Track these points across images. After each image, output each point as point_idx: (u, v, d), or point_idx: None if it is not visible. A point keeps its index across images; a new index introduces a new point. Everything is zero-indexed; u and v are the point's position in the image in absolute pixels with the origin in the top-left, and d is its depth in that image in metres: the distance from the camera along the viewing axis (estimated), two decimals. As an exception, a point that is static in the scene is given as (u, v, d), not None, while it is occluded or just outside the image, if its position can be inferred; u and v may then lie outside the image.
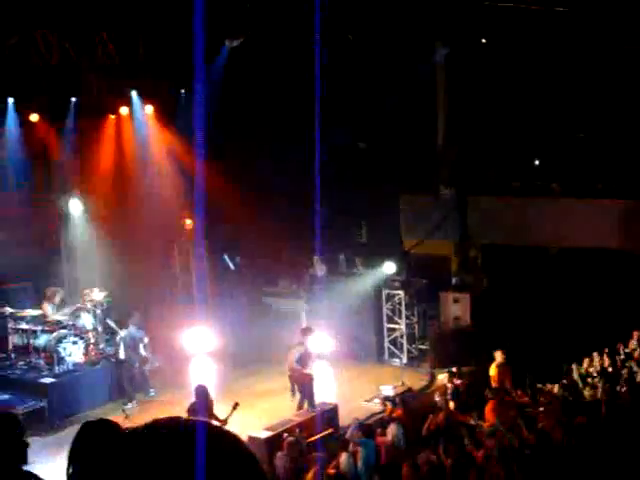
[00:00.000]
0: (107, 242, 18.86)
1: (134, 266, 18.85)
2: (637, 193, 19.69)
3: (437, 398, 15.42)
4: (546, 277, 19.53)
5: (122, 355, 17.23)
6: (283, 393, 16.60)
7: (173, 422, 1.50)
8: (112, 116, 19.66)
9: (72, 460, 3.33)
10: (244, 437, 14.60)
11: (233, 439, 1.52)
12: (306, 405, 15.96)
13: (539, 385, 15.21)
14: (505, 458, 11.17)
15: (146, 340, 17.51)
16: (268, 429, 14.54)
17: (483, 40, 20.44)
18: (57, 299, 17.81)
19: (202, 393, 13.52)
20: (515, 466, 10.88)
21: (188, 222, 20.39)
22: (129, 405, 16.44)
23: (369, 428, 14.16)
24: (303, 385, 16.11)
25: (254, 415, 15.87)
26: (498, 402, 14.27)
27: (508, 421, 13.24)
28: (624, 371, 15.05)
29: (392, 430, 14.03)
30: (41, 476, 4.52)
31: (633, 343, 16.26)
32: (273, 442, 14.16)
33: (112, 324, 17.71)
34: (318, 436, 14.41)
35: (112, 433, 3.45)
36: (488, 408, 14.16)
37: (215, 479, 1.42)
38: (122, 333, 17.31)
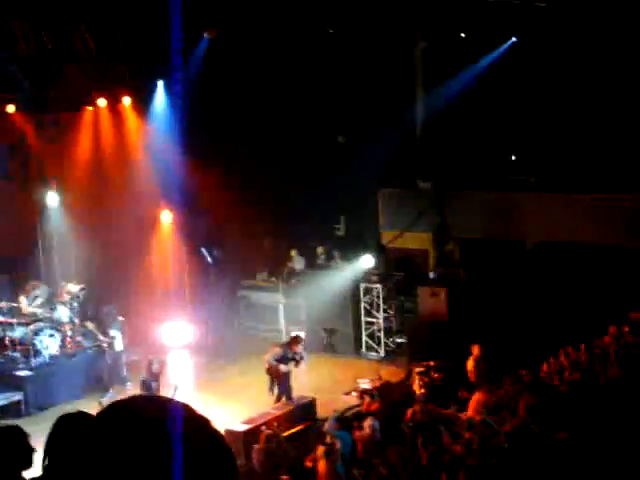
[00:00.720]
0: (85, 234, 18.78)
1: (112, 259, 18.79)
2: (615, 187, 19.82)
3: (416, 391, 15.46)
4: (523, 271, 19.62)
5: (120, 346, 17.26)
6: (261, 386, 16.59)
7: (145, 406, 1.49)
8: (90, 108, 19.55)
9: (47, 452, 3.33)
10: (222, 430, 14.60)
11: (205, 423, 1.51)
12: (284, 399, 15.98)
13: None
14: (485, 451, 11.21)
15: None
16: (246, 422, 14.53)
17: (462, 34, 20.49)
18: (30, 291, 17.70)
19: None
20: (494, 459, 10.92)
21: (166, 215, 20.35)
22: (107, 395, 16.41)
23: (346, 421, 14.17)
24: (279, 379, 16.13)
25: (232, 408, 15.86)
26: (483, 393, 14.26)
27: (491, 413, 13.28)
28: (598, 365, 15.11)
29: (368, 424, 14.05)
30: None
31: (608, 339, 16.34)
32: (251, 435, 14.15)
33: (91, 326, 17.71)
34: (295, 429, 14.44)
35: (86, 425, 3.44)
36: (474, 399, 14.17)
37: (190, 465, 1.41)
38: (118, 323, 17.36)
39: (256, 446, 13.02)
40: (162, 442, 1.41)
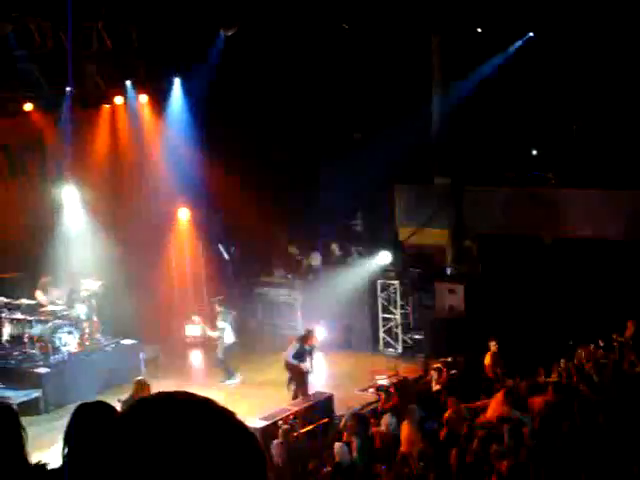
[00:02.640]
0: (102, 231, 18.84)
1: (129, 255, 18.83)
2: (635, 183, 19.69)
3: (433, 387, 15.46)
4: (540, 267, 19.54)
5: (231, 338, 17.56)
6: (278, 382, 16.62)
7: (168, 401, 1.49)
8: (107, 105, 19.62)
9: (67, 440, 3.34)
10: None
11: (230, 416, 1.51)
12: (300, 395, 15.99)
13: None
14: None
15: None
16: (264, 418, 14.55)
17: (479, 29, 20.43)
18: (48, 288, 17.77)
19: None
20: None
21: (184, 212, 20.39)
22: (233, 380, 17.02)
23: (363, 417, 14.15)
24: (296, 377, 16.16)
25: (249, 404, 15.88)
26: (506, 393, 14.17)
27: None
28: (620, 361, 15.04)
29: (386, 420, 14.05)
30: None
31: (628, 333, 16.26)
32: (269, 431, 14.18)
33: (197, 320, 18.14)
34: (313, 425, 14.44)
35: (106, 414, 3.45)
36: (497, 399, 14.09)
37: (214, 462, 1.41)
38: (227, 316, 17.77)
39: (275, 441, 13.07)
40: (190, 435, 1.41)
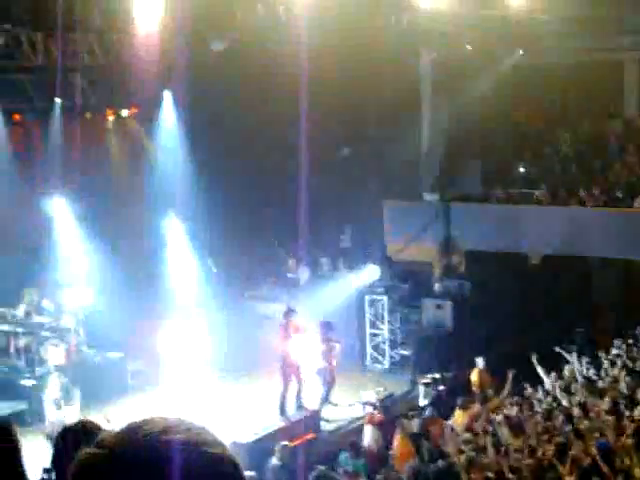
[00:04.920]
0: (91, 243, 18.80)
1: (118, 267, 18.78)
2: (621, 201, 19.79)
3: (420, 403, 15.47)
4: (528, 284, 19.59)
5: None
6: (267, 397, 16.58)
7: (165, 428, 1.47)
8: (96, 117, 19.59)
9: (54, 465, 3.32)
10: (228, 442, 14.59)
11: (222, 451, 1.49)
12: (288, 410, 15.94)
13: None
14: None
15: None
16: (251, 434, 14.54)
17: (469, 47, 20.54)
18: (35, 300, 17.71)
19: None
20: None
21: (173, 224, 20.37)
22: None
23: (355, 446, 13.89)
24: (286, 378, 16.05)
25: (237, 419, 15.83)
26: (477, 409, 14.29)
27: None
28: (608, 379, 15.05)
29: (367, 433, 14.16)
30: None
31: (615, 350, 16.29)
32: (258, 447, 14.17)
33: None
34: (299, 441, 14.42)
35: (88, 439, 3.42)
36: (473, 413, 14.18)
37: None
38: None
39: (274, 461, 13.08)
40: (177, 469, 1.40)
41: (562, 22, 20.02)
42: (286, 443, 13.41)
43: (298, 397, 16.07)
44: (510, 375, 15.16)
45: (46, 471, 3.44)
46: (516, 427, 12.77)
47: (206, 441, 1.46)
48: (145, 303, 19.25)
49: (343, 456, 13.23)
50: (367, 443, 14.31)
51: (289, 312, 16.18)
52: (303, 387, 16.17)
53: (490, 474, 10.80)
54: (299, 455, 13.51)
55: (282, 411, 15.86)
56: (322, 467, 12.35)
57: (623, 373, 14.66)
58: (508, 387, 15.13)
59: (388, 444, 14.02)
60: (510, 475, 10.72)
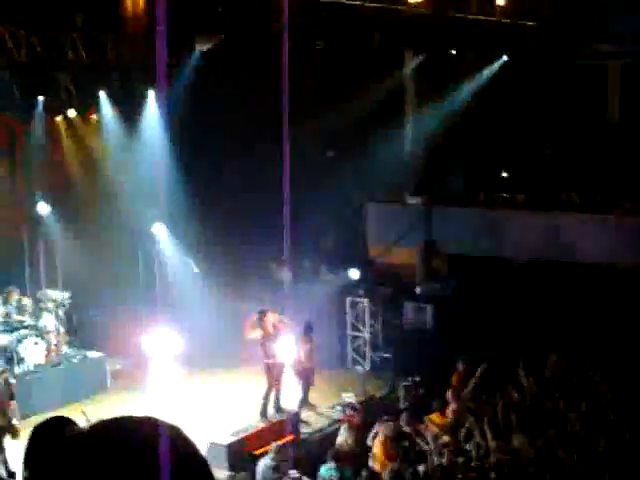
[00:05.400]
0: (73, 242, 18.73)
1: (99, 267, 18.73)
2: (604, 206, 19.89)
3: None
4: (511, 288, 19.64)
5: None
6: (247, 398, 16.56)
7: (134, 427, 1.47)
8: (80, 115, 19.52)
9: (25, 464, 3.28)
10: (205, 443, 14.56)
11: (194, 450, 1.49)
12: (270, 411, 15.92)
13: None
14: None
15: None
16: (230, 435, 14.52)
17: (453, 51, 20.59)
18: (14, 299, 17.63)
19: None
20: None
21: (155, 225, 20.30)
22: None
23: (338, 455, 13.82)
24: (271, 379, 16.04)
25: (216, 421, 15.81)
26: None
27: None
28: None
29: (341, 432, 14.19)
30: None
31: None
32: (235, 448, 14.16)
33: None
34: (278, 442, 14.37)
35: (61, 436, 3.40)
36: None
37: None
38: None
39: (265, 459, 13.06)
40: (149, 467, 1.39)
41: (546, 27, 20.12)
42: (280, 444, 13.38)
43: (277, 399, 16.06)
44: (481, 369, 15.21)
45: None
46: (496, 428, 12.80)
47: (180, 434, 1.47)
48: (128, 303, 19.22)
49: (324, 468, 13.01)
50: (338, 442, 14.32)
51: (263, 312, 16.21)
52: (283, 388, 16.15)
53: (472, 474, 10.84)
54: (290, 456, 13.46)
55: (263, 412, 15.84)
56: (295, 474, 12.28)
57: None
58: (476, 379, 15.15)
59: (364, 446, 14.02)
60: (492, 474, 10.76)
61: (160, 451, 1.39)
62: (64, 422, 3.47)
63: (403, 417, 14.40)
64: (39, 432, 3.49)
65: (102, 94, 19.12)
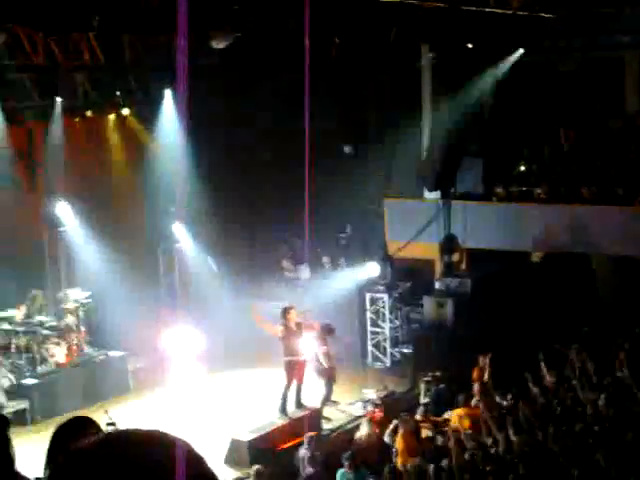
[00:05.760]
0: (92, 243, 18.80)
1: (119, 267, 18.79)
2: (624, 199, 19.77)
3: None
4: (530, 282, 19.57)
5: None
6: (267, 395, 16.58)
7: (146, 441, 1.46)
8: (98, 116, 19.58)
9: (48, 462, 3.30)
10: (227, 440, 14.61)
11: (202, 464, 1.49)
12: (288, 409, 15.93)
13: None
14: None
15: None
16: (251, 432, 14.55)
17: (469, 45, 20.49)
18: (37, 301, 17.72)
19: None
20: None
21: (174, 224, 20.35)
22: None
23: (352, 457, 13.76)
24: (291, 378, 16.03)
25: (237, 417, 15.86)
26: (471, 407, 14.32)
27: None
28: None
29: (362, 427, 14.22)
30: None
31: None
32: (256, 444, 14.19)
33: None
34: (299, 439, 14.40)
35: (83, 436, 3.41)
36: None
37: None
38: None
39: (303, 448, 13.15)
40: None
41: (563, 20, 20.00)
42: (315, 434, 13.45)
43: (298, 395, 16.06)
44: (487, 360, 15.21)
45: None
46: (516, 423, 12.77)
47: (191, 452, 1.47)
48: (147, 302, 19.29)
49: (340, 472, 12.99)
50: (357, 436, 14.34)
51: (287, 308, 16.13)
52: (304, 385, 16.15)
53: (492, 467, 10.83)
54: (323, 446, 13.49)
55: (282, 409, 15.85)
56: None
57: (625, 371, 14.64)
58: (487, 372, 15.17)
59: (383, 442, 14.04)
60: (519, 469, 10.74)
61: (177, 471, 1.39)
62: (85, 423, 3.49)
63: (419, 412, 14.42)
64: (61, 432, 3.51)
65: (119, 94, 19.05)
